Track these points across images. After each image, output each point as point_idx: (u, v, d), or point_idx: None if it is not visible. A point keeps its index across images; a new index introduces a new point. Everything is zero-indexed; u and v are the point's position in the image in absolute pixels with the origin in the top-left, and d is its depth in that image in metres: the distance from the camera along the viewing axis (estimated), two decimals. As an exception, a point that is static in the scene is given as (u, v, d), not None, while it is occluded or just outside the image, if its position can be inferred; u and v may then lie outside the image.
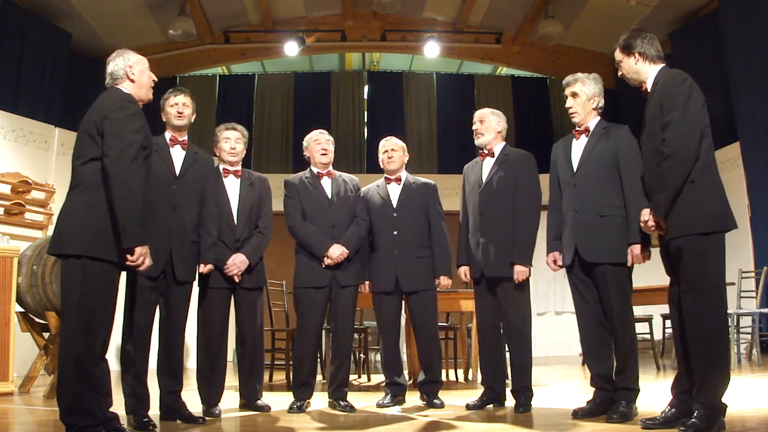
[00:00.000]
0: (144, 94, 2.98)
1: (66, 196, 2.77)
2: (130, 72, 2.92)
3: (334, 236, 3.85)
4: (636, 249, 3.18)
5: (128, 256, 2.67)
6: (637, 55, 2.96)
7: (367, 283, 4.05)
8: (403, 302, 4.11)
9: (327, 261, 3.80)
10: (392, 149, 4.12)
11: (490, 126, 3.89)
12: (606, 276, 3.23)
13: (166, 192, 3.32)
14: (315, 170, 4.03)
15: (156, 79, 3.06)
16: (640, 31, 2.99)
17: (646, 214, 2.89)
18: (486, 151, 3.89)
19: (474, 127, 3.94)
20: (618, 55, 3.03)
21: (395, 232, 3.98)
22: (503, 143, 3.92)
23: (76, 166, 2.76)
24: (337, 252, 3.79)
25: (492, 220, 3.75)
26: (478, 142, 3.91)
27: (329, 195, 3.95)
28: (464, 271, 3.93)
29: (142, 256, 2.70)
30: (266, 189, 3.97)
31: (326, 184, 3.99)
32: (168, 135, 3.51)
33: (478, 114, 3.95)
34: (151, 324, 3.29)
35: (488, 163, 3.88)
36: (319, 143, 4.02)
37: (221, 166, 3.89)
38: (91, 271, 2.63)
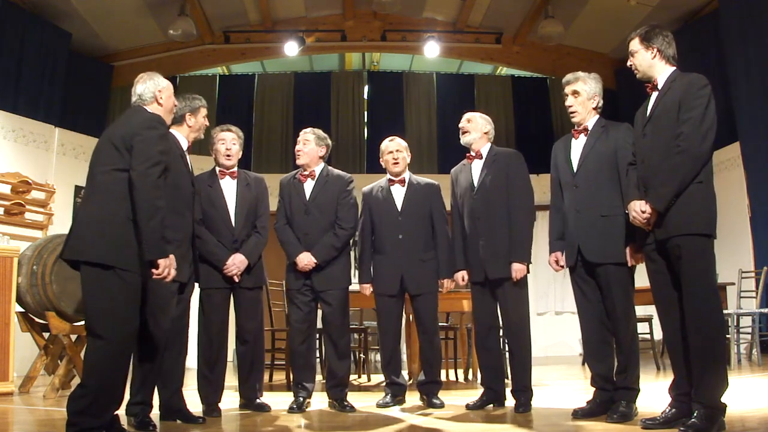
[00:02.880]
0: (167, 118, 3.10)
1: (85, 202, 2.82)
2: (159, 96, 3.03)
3: (307, 244, 3.85)
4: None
5: (154, 270, 2.75)
6: (655, 50, 2.96)
7: (368, 286, 4.05)
8: (404, 303, 4.11)
9: (297, 267, 3.83)
10: (397, 150, 4.09)
11: (477, 126, 3.89)
12: (609, 276, 3.23)
13: (189, 199, 3.41)
14: (302, 171, 4.03)
15: (177, 105, 3.20)
16: (662, 29, 2.99)
17: (642, 205, 2.87)
18: (473, 153, 3.89)
19: (461, 125, 3.94)
20: (636, 44, 3.00)
21: (400, 236, 3.96)
22: (489, 144, 3.92)
23: (97, 172, 2.81)
24: (304, 261, 3.81)
25: (489, 223, 3.75)
26: (464, 140, 3.91)
27: (307, 198, 3.93)
28: (461, 276, 3.91)
29: (167, 268, 2.78)
30: (263, 189, 3.97)
31: (308, 187, 3.96)
32: (185, 141, 3.49)
33: (468, 114, 3.98)
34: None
35: (477, 166, 3.87)
36: (297, 144, 4.03)
37: (217, 168, 3.89)
38: (124, 282, 2.69)
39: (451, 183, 4.04)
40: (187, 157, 3.49)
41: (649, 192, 2.87)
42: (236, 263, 3.70)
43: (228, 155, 3.84)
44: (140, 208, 2.71)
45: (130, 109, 3.02)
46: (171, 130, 3.49)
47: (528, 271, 3.72)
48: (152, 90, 3.02)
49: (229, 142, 3.86)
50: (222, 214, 3.78)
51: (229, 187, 3.85)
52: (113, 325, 2.67)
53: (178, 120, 3.49)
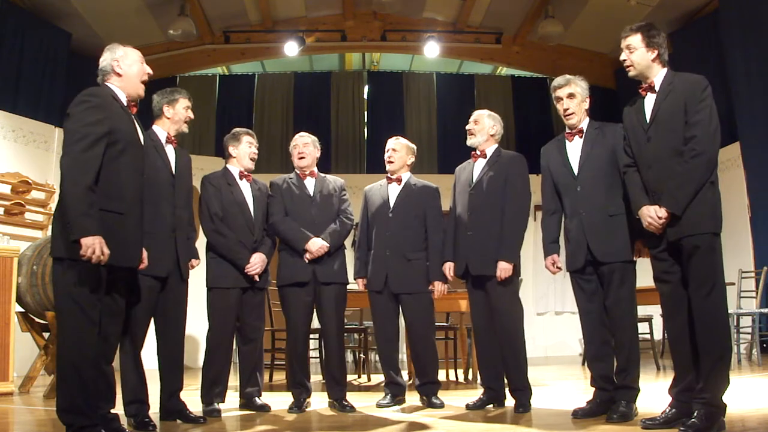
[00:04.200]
0: (133, 89, 2.93)
1: None
2: (116, 66, 2.88)
3: (315, 232, 3.86)
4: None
5: (81, 252, 2.54)
6: (656, 51, 2.95)
7: (360, 280, 4.08)
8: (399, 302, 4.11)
9: (307, 255, 3.81)
10: (393, 149, 4.13)
11: (483, 128, 3.89)
12: (615, 274, 3.23)
13: (167, 191, 3.33)
14: (297, 171, 4.07)
15: (151, 72, 3.01)
16: (660, 30, 2.99)
17: (657, 211, 2.86)
18: (478, 153, 3.90)
19: (468, 127, 3.95)
20: (637, 41, 2.96)
21: (388, 233, 3.98)
22: (496, 145, 3.91)
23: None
24: (317, 245, 3.80)
25: (480, 219, 3.75)
26: (469, 142, 3.92)
27: (312, 193, 3.99)
28: (449, 267, 3.90)
29: (90, 248, 2.54)
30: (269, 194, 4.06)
31: (309, 183, 4.04)
32: (163, 133, 3.45)
33: (475, 114, 3.97)
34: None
35: (480, 164, 3.88)
36: (296, 148, 4.08)
37: (236, 169, 3.93)
38: (77, 273, 2.61)
39: (454, 180, 4.04)
40: (168, 149, 3.40)
41: (663, 196, 2.85)
42: (259, 262, 3.75)
43: (254, 159, 3.97)
44: (62, 186, 2.58)
45: None
46: (153, 126, 3.44)
47: (517, 273, 3.70)
48: (109, 62, 2.88)
49: (254, 146, 3.98)
50: (245, 215, 3.84)
51: (246, 190, 3.92)
52: (71, 313, 2.61)
53: (158, 113, 3.46)
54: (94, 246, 2.55)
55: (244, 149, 3.93)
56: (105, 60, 2.90)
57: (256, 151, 3.99)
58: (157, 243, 3.18)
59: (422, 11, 9.31)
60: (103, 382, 2.81)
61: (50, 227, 2.82)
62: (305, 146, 4.06)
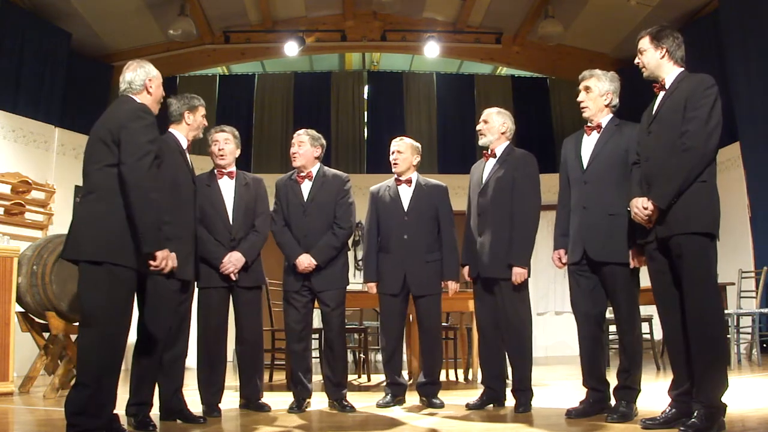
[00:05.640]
0: (155, 108, 3.05)
1: (81, 201, 2.83)
2: (149, 85, 3.00)
3: (306, 245, 3.83)
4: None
5: (151, 262, 2.75)
6: (664, 50, 2.97)
7: (373, 284, 4.04)
8: (408, 303, 4.10)
9: (297, 270, 3.81)
10: (398, 150, 4.08)
11: (493, 127, 3.87)
12: (614, 276, 3.22)
13: (189, 196, 3.40)
14: (298, 172, 4.00)
15: (164, 95, 3.15)
16: (673, 31, 3.01)
17: (644, 202, 2.87)
18: (489, 152, 3.89)
19: (478, 127, 3.93)
20: (645, 43, 3.01)
21: (405, 236, 3.96)
22: (507, 143, 3.90)
23: (90, 171, 2.80)
24: (305, 263, 3.78)
25: (489, 221, 3.74)
26: (480, 142, 3.91)
27: (305, 199, 3.91)
28: (467, 271, 3.91)
29: (164, 260, 2.77)
30: (262, 189, 3.97)
31: (305, 187, 3.94)
32: (184, 139, 3.49)
33: (484, 113, 3.94)
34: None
35: (490, 164, 3.86)
36: (292, 147, 4.01)
37: (215, 168, 3.90)
38: (116, 278, 2.69)
39: (469, 180, 4.03)
40: (188, 155, 3.49)
41: (653, 189, 2.86)
42: (232, 261, 3.71)
43: (221, 155, 3.85)
44: (133, 201, 2.69)
45: (116, 101, 2.97)
46: (170, 129, 3.51)
47: (528, 275, 3.70)
48: (143, 78, 2.98)
49: (222, 142, 3.86)
50: (220, 213, 3.79)
51: (227, 187, 3.85)
52: (107, 318, 2.66)
53: (177, 118, 3.50)
54: (167, 258, 2.79)
55: (211, 149, 3.89)
56: (138, 75, 2.98)
57: (224, 146, 3.83)
58: (184, 246, 3.24)
59: (422, 11, 9.31)
60: (116, 387, 2.83)
61: (74, 228, 2.79)
62: (300, 145, 3.95)
